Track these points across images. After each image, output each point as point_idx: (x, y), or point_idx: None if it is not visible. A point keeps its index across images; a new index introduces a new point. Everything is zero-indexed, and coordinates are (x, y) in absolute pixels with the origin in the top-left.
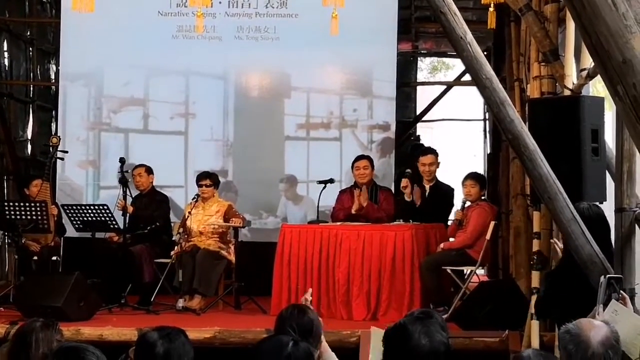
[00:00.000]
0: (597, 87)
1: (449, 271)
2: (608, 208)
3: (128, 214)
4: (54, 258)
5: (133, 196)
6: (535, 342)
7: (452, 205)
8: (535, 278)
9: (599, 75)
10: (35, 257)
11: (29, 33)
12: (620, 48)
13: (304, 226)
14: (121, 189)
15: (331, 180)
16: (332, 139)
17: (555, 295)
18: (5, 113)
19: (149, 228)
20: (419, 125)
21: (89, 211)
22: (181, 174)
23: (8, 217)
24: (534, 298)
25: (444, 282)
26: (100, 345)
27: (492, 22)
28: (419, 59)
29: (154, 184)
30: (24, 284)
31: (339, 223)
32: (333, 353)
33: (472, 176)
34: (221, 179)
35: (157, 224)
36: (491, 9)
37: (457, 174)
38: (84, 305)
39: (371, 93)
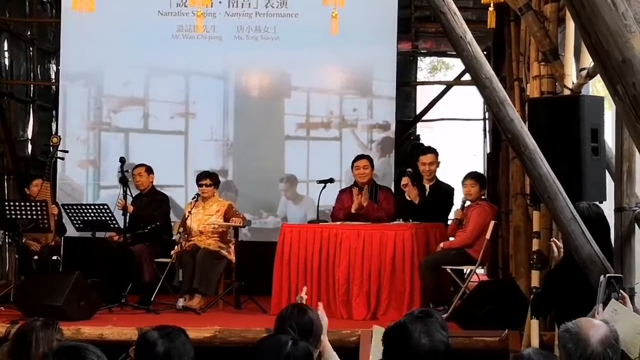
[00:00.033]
0: (597, 87)
1: (448, 270)
2: (608, 207)
3: (128, 214)
4: (55, 257)
5: (133, 196)
6: (535, 342)
7: (452, 204)
8: (535, 277)
9: (598, 75)
10: (36, 257)
11: (29, 33)
12: (620, 47)
13: (304, 226)
14: (121, 189)
15: (331, 180)
16: (332, 139)
17: (552, 294)
18: (6, 113)
19: (149, 228)
20: (418, 124)
21: (89, 211)
22: (181, 173)
23: (8, 216)
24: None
25: (443, 281)
26: (101, 344)
27: (491, 21)
28: (418, 58)
29: (154, 183)
30: (25, 283)
31: (338, 222)
32: (335, 353)
33: (472, 176)
34: (221, 179)
35: (157, 223)
36: (491, 9)
37: (457, 173)
38: (84, 304)
39: (371, 93)
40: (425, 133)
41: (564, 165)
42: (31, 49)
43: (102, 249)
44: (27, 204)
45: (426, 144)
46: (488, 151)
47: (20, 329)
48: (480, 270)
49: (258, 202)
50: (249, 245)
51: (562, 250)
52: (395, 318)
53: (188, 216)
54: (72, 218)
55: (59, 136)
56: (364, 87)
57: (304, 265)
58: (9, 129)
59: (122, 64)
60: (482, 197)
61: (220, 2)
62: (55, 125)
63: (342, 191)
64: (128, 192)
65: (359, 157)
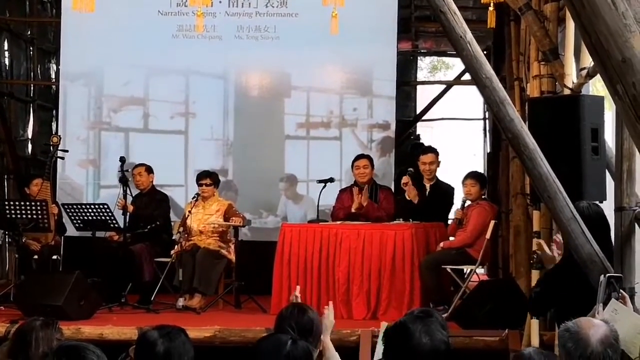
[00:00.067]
0: (597, 86)
1: (448, 270)
2: (608, 207)
3: (128, 213)
4: (55, 257)
5: (133, 195)
6: (535, 341)
7: (452, 204)
8: (535, 277)
9: (598, 74)
10: (36, 256)
11: (29, 32)
12: (620, 47)
13: (304, 225)
14: (121, 188)
15: (331, 180)
16: (332, 138)
17: (551, 294)
18: (6, 112)
19: (149, 227)
20: (419, 124)
21: (89, 210)
22: (181, 173)
23: (8, 216)
24: None
25: (443, 281)
26: (101, 344)
27: (491, 21)
28: (418, 58)
29: (154, 183)
30: (24, 283)
31: (339, 222)
32: (336, 353)
33: (472, 175)
34: (221, 178)
35: (157, 223)
36: (491, 8)
37: (457, 173)
38: (84, 304)
39: (371, 92)
40: (425, 133)
41: (564, 164)
42: (31, 48)
43: (102, 249)
44: (27, 203)
45: (426, 144)
46: (488, 151)
47: (20, 328)
48: (480, 270)
49: (258, 202)
50: (249, 244)
51: (553, 249)
52: (395, 318)
53: (188, 216)
54: (72, 217)
55: (59, 136)
56: (364, 86)
57: (304, 265)
58: (9, 128)
59: (122, 64)
60: (482, 196)
61: (220, 2)
62: (55, 125)
63: (342, 191)
64: (128, 192)
65: (359, 157)
